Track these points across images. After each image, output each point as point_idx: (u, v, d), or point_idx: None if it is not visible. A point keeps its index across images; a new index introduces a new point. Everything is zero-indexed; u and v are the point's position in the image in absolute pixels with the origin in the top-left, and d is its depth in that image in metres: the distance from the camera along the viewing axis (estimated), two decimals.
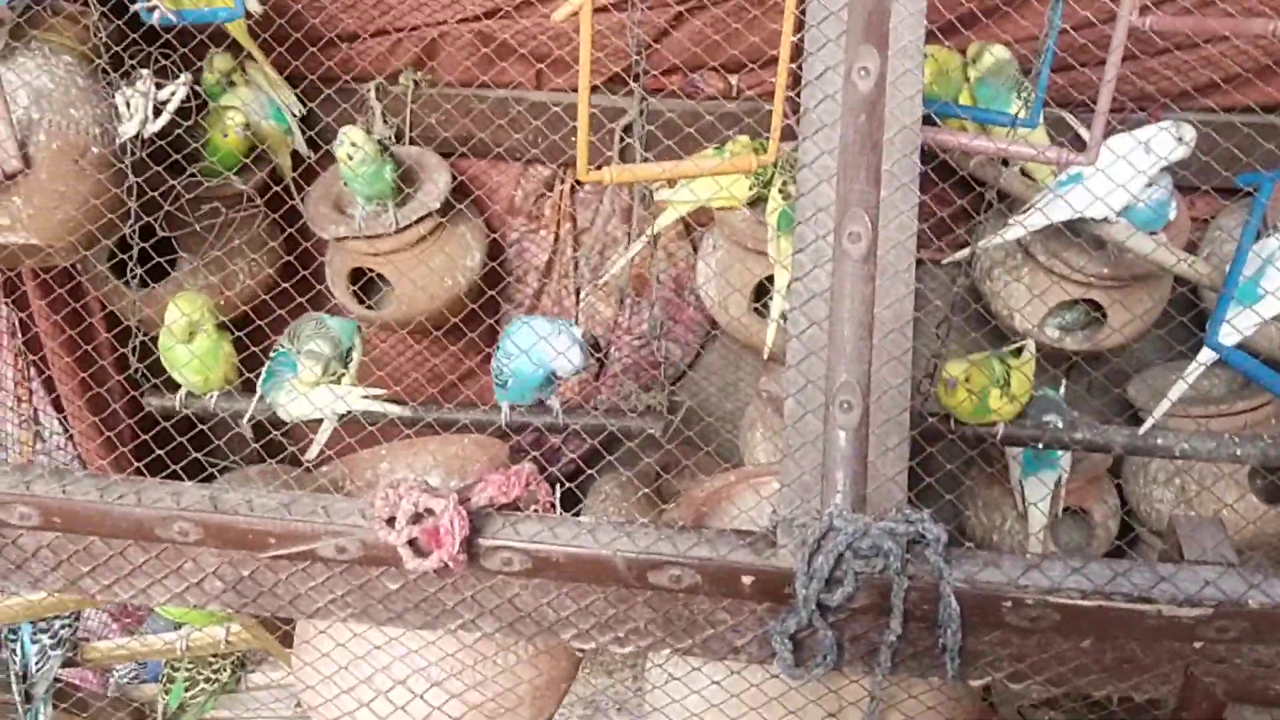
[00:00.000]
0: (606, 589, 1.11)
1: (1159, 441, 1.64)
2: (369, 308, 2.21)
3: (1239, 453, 1.62)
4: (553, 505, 1.16)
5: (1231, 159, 1.71)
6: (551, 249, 2.42)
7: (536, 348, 1.61)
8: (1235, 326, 1.48)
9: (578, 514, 2.51)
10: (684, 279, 2.44)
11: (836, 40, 1.14)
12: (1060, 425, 1.70)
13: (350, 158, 1.91)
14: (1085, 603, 1.04)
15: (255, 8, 1.78)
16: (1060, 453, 2.10)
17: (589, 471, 2.52)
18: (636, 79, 1.72)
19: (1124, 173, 1.62)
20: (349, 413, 1.65)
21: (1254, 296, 1.51)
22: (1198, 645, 1.04)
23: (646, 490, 2.56)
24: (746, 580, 1.08)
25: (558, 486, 2.43)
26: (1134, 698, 1.09)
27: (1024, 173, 1.92)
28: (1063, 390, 2.20)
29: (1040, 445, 1.70)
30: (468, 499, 1.09)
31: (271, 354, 1.70)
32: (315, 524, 1.11)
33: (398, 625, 1.16)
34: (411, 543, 1.07)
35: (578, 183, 2.33)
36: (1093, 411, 2.36)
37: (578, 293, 2.47)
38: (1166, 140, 1.60)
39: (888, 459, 1.08)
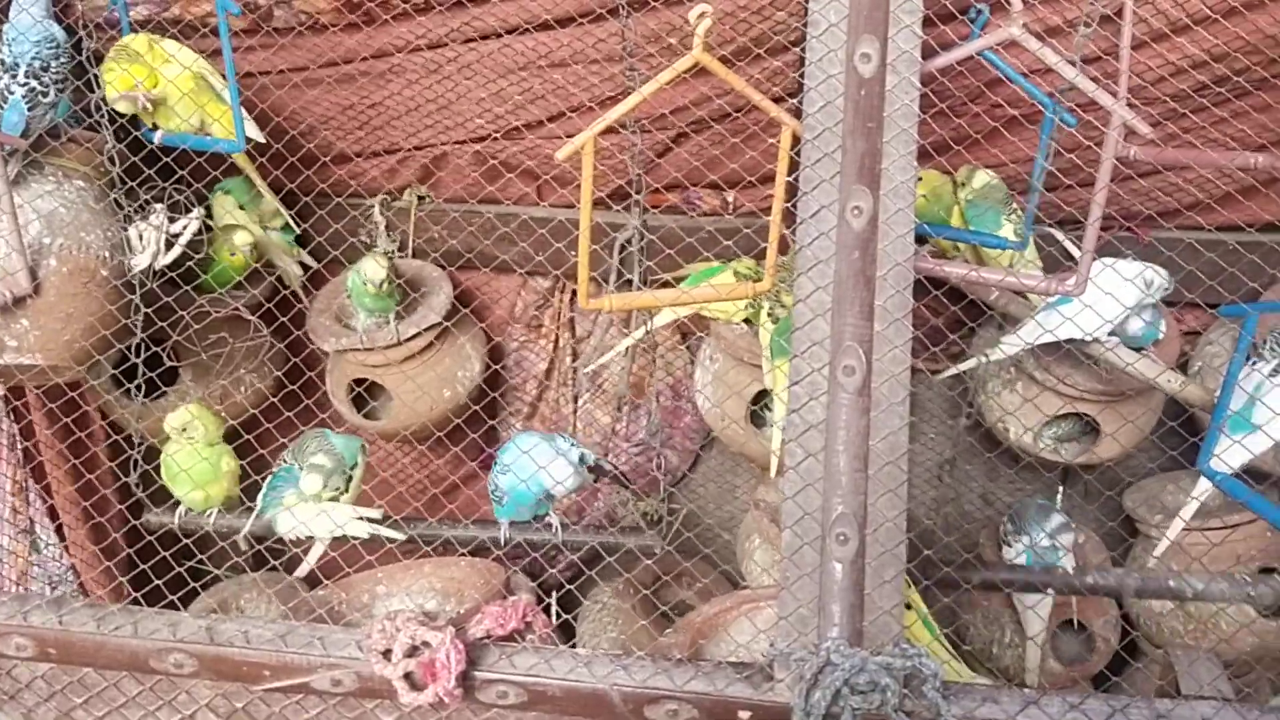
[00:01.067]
0: None
1: (1170, 584, 1.64)
2: (367, 416, 2.23)
3: (1252, 593, 1.61)
4: (551, 636, 1.16)
5: (1218, 273, 1.76)
6: (550, 357, 2.45)
7: (530, 470, 1.62)
8: (1225, 461, 1.50)
9: (575, 618, 2.51)
10: (681, 386, 2.46)
11: (830, 180, 1.18)
12: (1069, 569, 1.70)
13: (379, 287, 1.95)
14: None
15: (256, 135, 1.83)
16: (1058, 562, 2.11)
17: (588, 573, 2.51)
18: (638, 194, 1.75)
19: (1108, 300, 1.66)
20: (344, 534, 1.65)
21: (1245, 428, 1.53)
22: None
23: (646, 592, 2.55)
24: (744, 715, 1.08)
25: (554, 593, 2.46)
26: None
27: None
28: (1060, 499, 2.21)
29: (1050, 591, 1.69)
30: (464, 630, 1.09)
31: (275, 467, 1.71)
32: (311, 656, 1.10)
33: None
34: (407, 676, 1.07)
35: (575, 293, 2.36)
36: (1089, 520, 2.37)
37: (576, 400, 2.49)
38: (1135, 283, 1.64)
39: (884, 591, 1.09)
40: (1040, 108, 1.66)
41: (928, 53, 1.24)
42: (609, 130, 2.02)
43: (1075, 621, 2.20)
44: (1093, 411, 2.02)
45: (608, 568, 2.43)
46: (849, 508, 1.11)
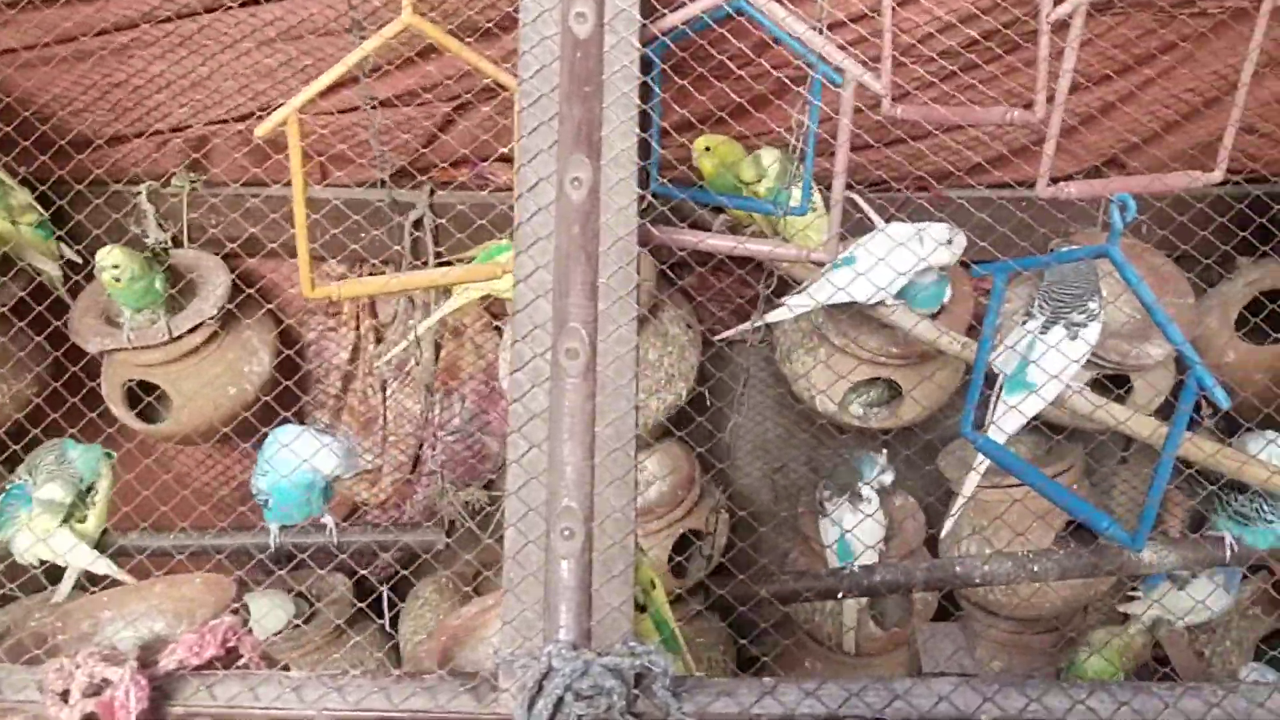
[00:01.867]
0: None
1: (958, 570, 1.63)
2: (148, 418, 2.08)
3: (1036, 569, 1.62)
4: (263, 659, 1.06)
5: (1018, 232, 1.75)
6: (353, 346, 2.33)
7: (283, 459, 1.51)
8: (1002, 428, 1.48)
9: (395, 620, 2.41)
10: (494, 370, 2.37)
11: (548, 150, 1.10)
12: (858, 570, 1.68)
13: (117, 280, 1.80)
14: None
15: None
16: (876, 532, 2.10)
17: (403, 572, 2.41)
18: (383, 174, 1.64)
19: (894, 259, 1.63)
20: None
21: (1022, 388, 1.51)
22: None
23: (467, 589, 2.46)
24: None
25: (385, 590, 2.36)
26: None
27: None
28: (883, 459, 2.20)
29: (840, 596, 1.67)
30: (154, 664, 0.99)
31: (6, 485, 1.56)
32: None
33: None
34: (88, 718, 0.96)
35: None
36: (908, 487, 2.36)
37: (384, 390, 2.38)
38: (935, 242, 1.61)
39: (613, 587, 1.02)
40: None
41: (654, 13, 1.16)
42: (386, 105, 1.93)
43: None
44: (895, 375, 2.00)
45: (427, 568, 2.34)
46: (574, 500, 1.04)
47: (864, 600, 2.11)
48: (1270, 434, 1.53)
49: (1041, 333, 1.43)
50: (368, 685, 1.02)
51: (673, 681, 0.99)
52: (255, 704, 1.00)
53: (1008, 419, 1.47)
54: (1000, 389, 1.46)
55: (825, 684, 1.01)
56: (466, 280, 1.40)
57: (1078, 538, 2.13)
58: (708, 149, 1.88)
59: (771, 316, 1.74)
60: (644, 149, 1.18)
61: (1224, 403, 1.03)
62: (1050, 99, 1.30)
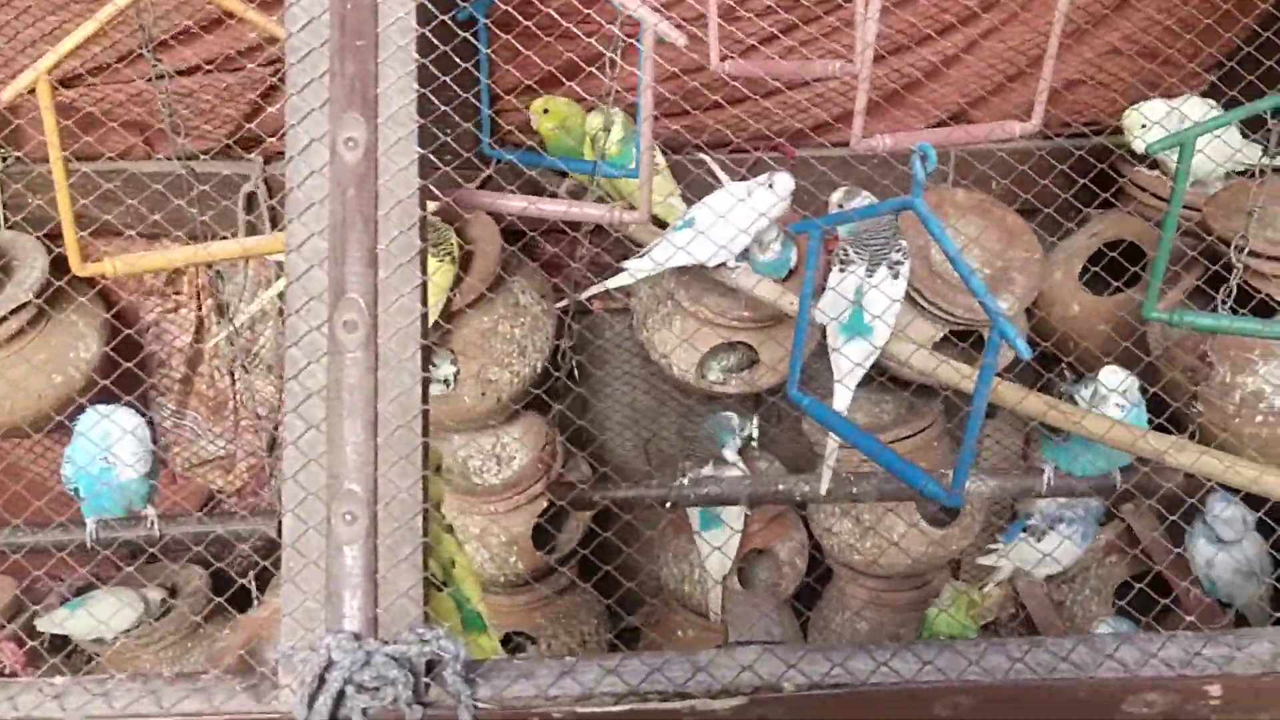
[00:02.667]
0: None
1: (780, 488, 1.63)
2: None
3: (855, 490, 1.62)
4: (28, 665, 0.99)
5: (867, 186, 1.72)
6: (195, 329, 2.22)
7: (91, 454, 1.42)
8: (846, 385, 1.45)
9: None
10: None
11: (321, 109, 1.02)
12: (686, 483, 1.66)
13: None
14: (617, 708, 0.95)
15: None
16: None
17: (263, 564, 2.32)
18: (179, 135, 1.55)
19: (728, 221, 1.59)
20: None
21: (865, 330, 1.49)
22: None
23: None
24: None
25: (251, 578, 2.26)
26: None
27: (654, 220, 1.87)
28: (753, 434, 2.18)
29: (668, 505, 1.65)
30: None
31: None
32: None
33: None
34: None
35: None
36: (778, 450, 2.35)
37: (232, 373, 2.28)
38: (762, 191, 1.58)
39: (400, 571, 0.96)
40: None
41: None
42: (190, 70, 1.83)
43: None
44: (749, 339, 1.97)
45: None
46: (357, 483, 0.98)
47: (727, 567, 2.10)
48: (1105, 375, 1.53)
49: (868, 275, 1.41)
50: (137, 689, 0.95)
51: (465, 666, 0.94)
52: (14, 714, 0.92)
53: (852, 375, 1.45)
54: (839, 345, 1.44)
55: (627, 660, 0.97)
56: (249, 253, 1.32)
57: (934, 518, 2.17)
58: (546, 110, 1.82)
59: (612, 281, 1.70)
60: (475, 110, 1.13)
61: (1025, 353, 1.01)
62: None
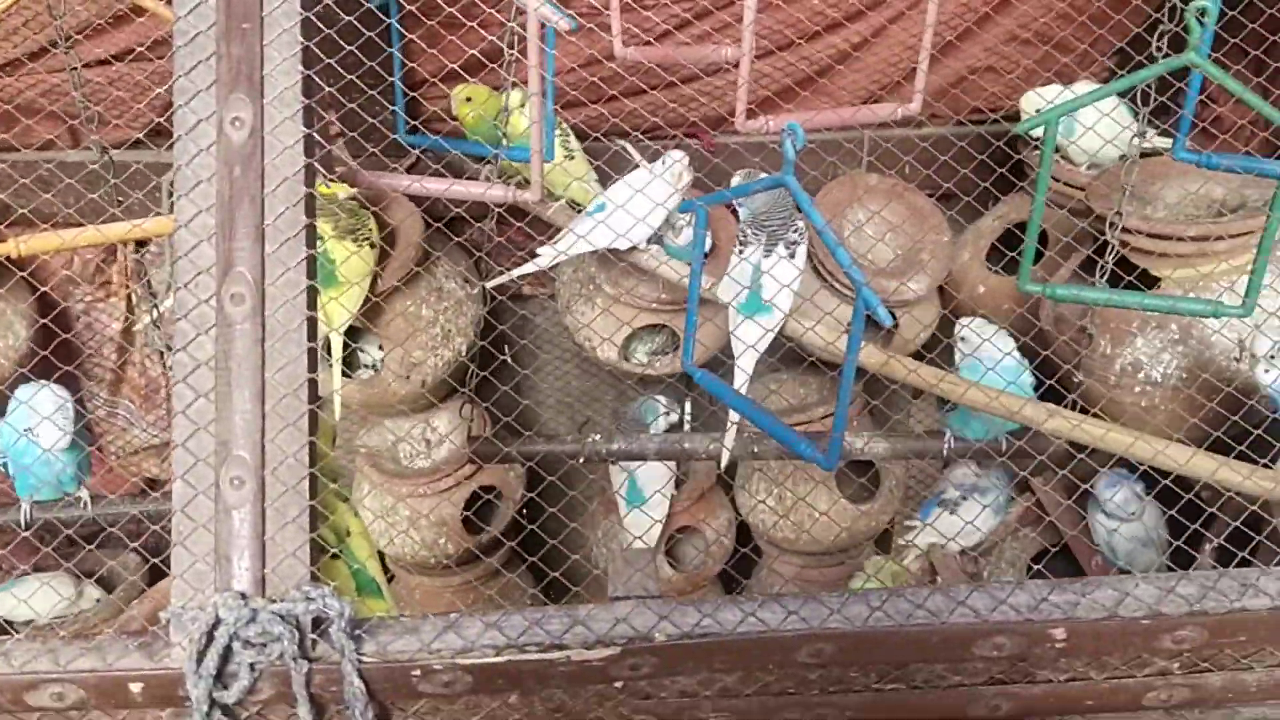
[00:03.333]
0: None
1: (686, 446, 1.72)
2: None
3: (756, 450, 1.69)
4: None
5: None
6: (125, 317, 2.24)
7: (21, 425, 1.45)
8: (743, 368, 1.51)
9: None
10: None
11: (208, 90, 1.06)
12: (597, 440, 1.73)
13: None
14: (497, 659, 0.99)
15: None
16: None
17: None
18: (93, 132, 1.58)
19: (636, 205, 1.64)
20: None
21: (762, 310, 1.55)
22: (619, 685, 1.02)
23: None
24: (135, 689, 0.98)
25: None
26: None
27: (572, 204, 1.92)
28: (683, 413, 2.22)
29: (580, 461, 1.71)
30: None
31: None
32: None
33: None
34: None
35: (141, 243, 2.16)
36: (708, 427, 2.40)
37: (165, 361, 2.30)
38: (660, 176, 1.63)
39: (287, 533, 1.00)
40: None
41: None
42: (102, 62, 1.85)
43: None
44: (671, 321, 2.02)
45: None
46: (244, 449, 1.01)
47: (654, 544, 2.15)
48: (970, 331, 1.61)
49: (765, 256, 1.47)
50: (35, 648, 0.99)
51: (351, 624, 0.98)
52: None
53: (747, 356, 1.50)
54: (738, 323, 1.49)
55: (508, 615, 1.02)
56: (144, 234, 1.36)
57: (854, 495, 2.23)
58: (468, 99, 1.86)
59: (523, 269, 1.74)
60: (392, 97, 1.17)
61: (886, 320, 1.07)
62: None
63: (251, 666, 0.97)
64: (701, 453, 1.76)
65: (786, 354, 2.10)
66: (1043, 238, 1.95)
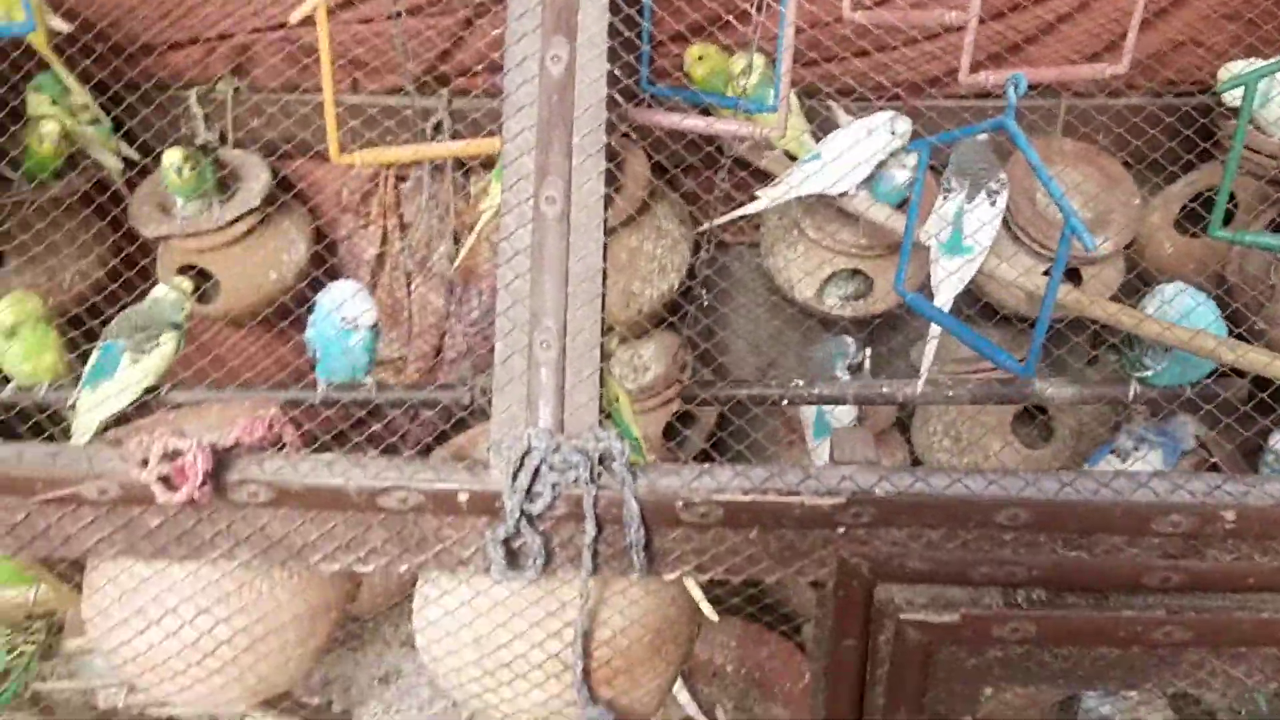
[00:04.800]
0: (345, 514, 1.26)
1: (884, 390, 1.87)
2: (201, 300, 2.34)
3: (950, 394, 1.84)
4: (303, 445, 1.31)
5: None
6: (380, 244, 2.57)
7: (326, 311, 1.76)
8: (942, 291, 1.69)
9: None
10: None
11: (533, 33, 1.32)
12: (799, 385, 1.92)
13: (179, 175, 2.05)
14: (744, 498, 1.22)
15: (61, 25, 1.91)
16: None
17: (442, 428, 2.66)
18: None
19: (852, 154, 1.83)
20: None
21: (963, 251, 1.73)
22: (841, 530, 1.23)
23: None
24: (463, 498, 1.24)
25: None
26: (801, 581, 1.28)
27: (786, 155, 2.13)
28: (865, 359, 2.42)
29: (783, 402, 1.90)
30: (215, 442, 1.24)
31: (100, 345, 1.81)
32: (78, 468, 1.24)
33: (162, 559, 1.30)
34: (163, 480, 1.22)
35: (399, 179, 2.48)
36: (891, 373, 2.58)
37: (409, 284, 2.62)
38: (882, 131, 1.82)
39: (581, 388, 1.26)
40: None
41: None
42: (413, 9, 2.15)
43: None
44: (866, 267, 2.21)
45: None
46: (551, 319, 1.27)
47: None
48: (1167, 289, 1.73)
49: (968, 202, 1.64)
50: (385, 463, 1.26)
51: (629, 463, 1.23)
52: (294, 476, 1.25)
53: (947, 284, 1.68)
54: (938, 259, 1.67)
55: (752, 468, 1.24)
56: (472, 153, 1.63)
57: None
58: (700, 57, 2.09)
59: (748, 208, 1.96)
60: (635, 52, 1.40)
61: (1090, 245, 1.24)
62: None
63: (553, 486, 1.22)
64: (897, 396, 1.92)
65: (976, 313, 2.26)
66: (1233, 202, 2.06)
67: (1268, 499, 1.18)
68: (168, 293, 1.82)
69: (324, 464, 1.26)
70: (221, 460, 1.24)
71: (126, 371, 1.73)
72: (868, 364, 2.42)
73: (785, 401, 2.03)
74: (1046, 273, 2.15)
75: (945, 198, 1.66)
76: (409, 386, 2.07)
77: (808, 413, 2.39)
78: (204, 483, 1.21)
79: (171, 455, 1.22)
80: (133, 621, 1.34)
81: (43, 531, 1.28)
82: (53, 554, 1.29)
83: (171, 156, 2.02)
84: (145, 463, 1.22)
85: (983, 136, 1.73)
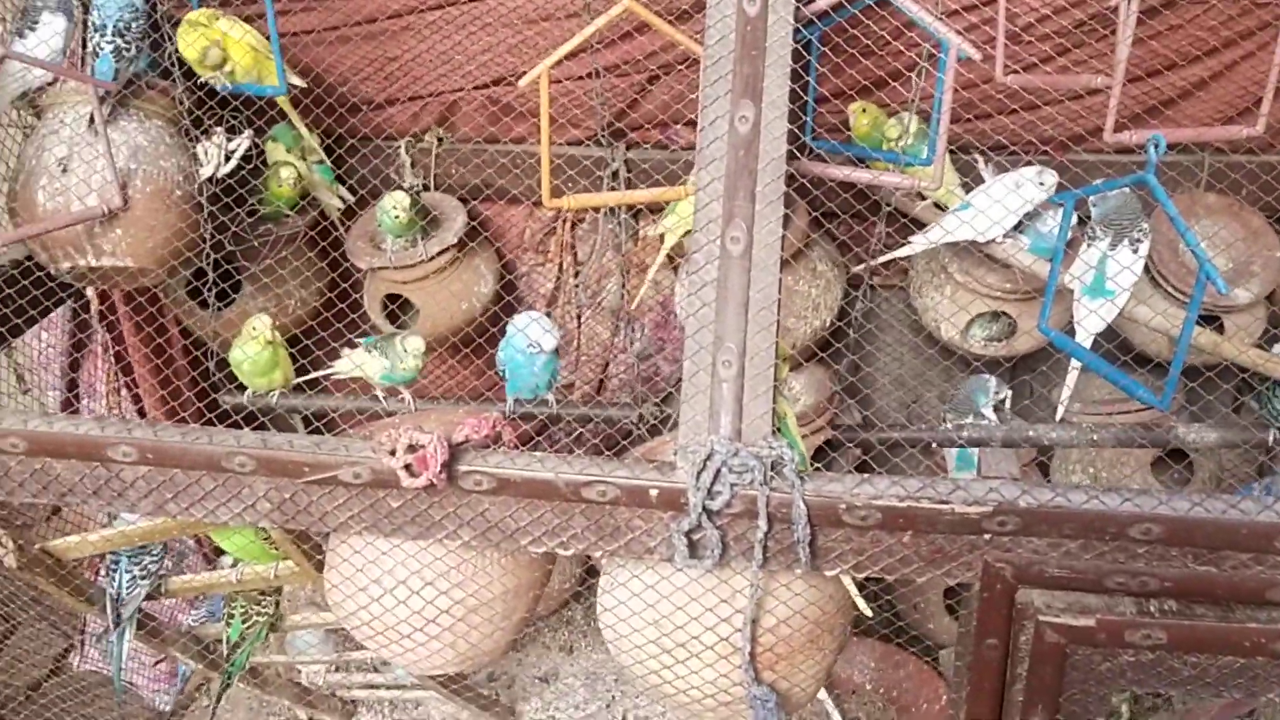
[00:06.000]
0: (552, 503, 1.49)
1: (1030, 434, 1.99)
2: (400, 327, 2.63)
3: (1095, 438, 1.96)
4: (518, 444, 1.54)
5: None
6: (556, 279, 2.83)
7: (514, 336, 2.01)
8: (1085, 327, 1.83)
9: None
10: (670, 303, 2.82)
11: (724, 96, 1.54)
12: (950, 427, 2.06)
13: (398, 217, 2.35)
14: (900, 504, 1.39)
15: (299, 82, 2.23)
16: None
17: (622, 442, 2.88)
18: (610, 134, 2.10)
19: (1001, 204, 1.99)
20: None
21: (1104, 294, 1.86)
22: (986, 537, 1.39)
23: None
24: (654, 493, 1.45)
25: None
26: (948, 583, 1.44)
27: (937, 205, 2.29)
28: (1007, 397, 2.55)
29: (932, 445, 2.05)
30: (450, 437, 1.48)
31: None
32: (338, 455, 1.50)
33: (399, 536, 1.54)
34: (407, 467, 1.46)
35: (576, 222, 2.74)
36: (1027, 412, 2.70)
37: (579, 317, 2.87)
38: (1031, 184, 1.97)
39: (757, 403, 1.45)
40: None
41: None
42: (591, 74, 2.41)
43: None
44: (1010, 309, 2.35)
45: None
46: (733, 342, 1.47)
47: None
48: None
49: (1111, 249, 1.78)
50: (587, 461, 1.48)
51: (797, 469, 1.42)
52: (513, 468, 1.48)
53: (1089, 320, 1.82)
54: (1081, 299, 1.82)
55: (907, 479, 1.41)
56: (659, 199, 1.85)
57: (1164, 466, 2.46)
58: (863, 111, 2.28)
59: (903, 250, 2.13)
60: (804, 110, 1.59)
61: (1223, 289, 1.37)
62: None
63: (731, 486, 1.42)
64: (1043, 439, 2.05)
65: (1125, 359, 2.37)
66: None
67: None
68: (406, 338, 2.10)
69: (537, 460, 1.49)
70: (454, 453, 1.48)
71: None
72: (1008, 403, 2.54)
73: (935, 445, 2.17)
74: (1197, 322, 2.26)
75: (1089, 244, 1.81)
76: (590, 407, 2.30)
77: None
78: (441, 470, 1.45)
79: (415, 447, 1.46)
80: (371, 589, 1.58)
81: (305, 507, 1.54)
82: (311, 527, 1.55)
83: (396, 198, 2.31)
84: (394, 452, 1.47)
85: (1126, 189, 1.87)
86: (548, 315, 2.86)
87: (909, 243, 2.12)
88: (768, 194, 1.50)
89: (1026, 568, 1.40)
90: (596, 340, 2.88)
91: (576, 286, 2.81)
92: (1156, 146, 1.41)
